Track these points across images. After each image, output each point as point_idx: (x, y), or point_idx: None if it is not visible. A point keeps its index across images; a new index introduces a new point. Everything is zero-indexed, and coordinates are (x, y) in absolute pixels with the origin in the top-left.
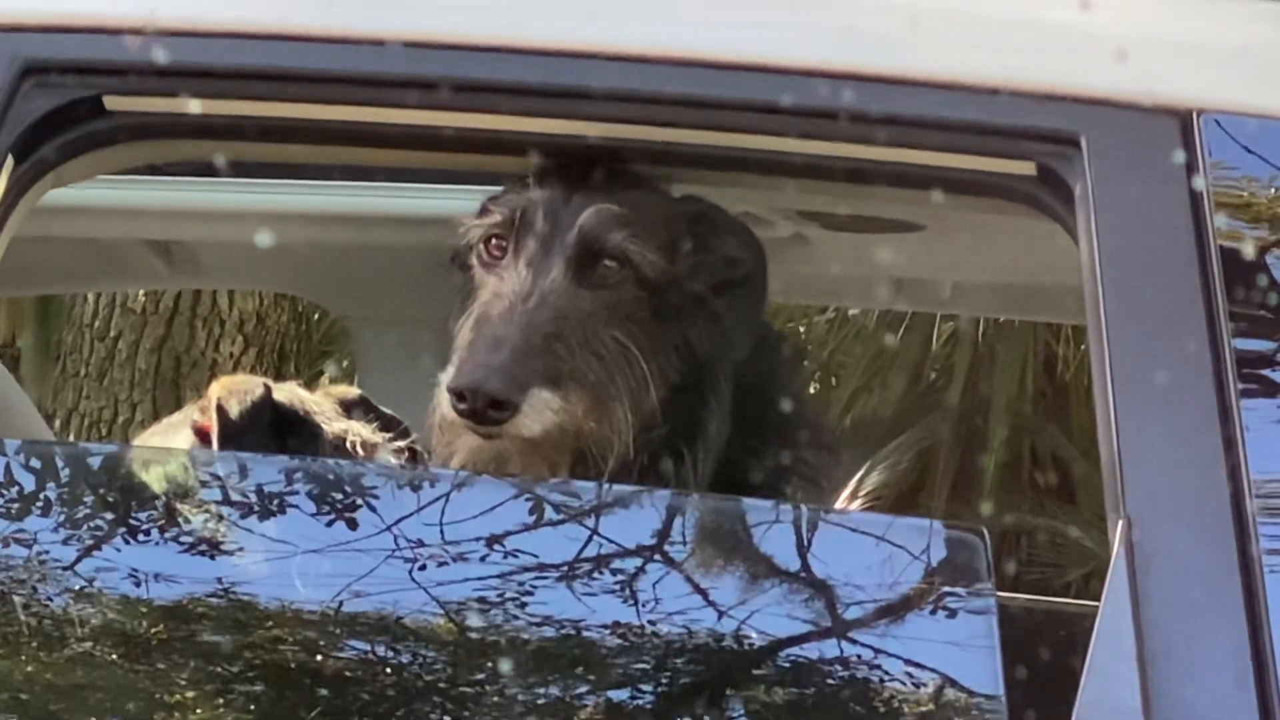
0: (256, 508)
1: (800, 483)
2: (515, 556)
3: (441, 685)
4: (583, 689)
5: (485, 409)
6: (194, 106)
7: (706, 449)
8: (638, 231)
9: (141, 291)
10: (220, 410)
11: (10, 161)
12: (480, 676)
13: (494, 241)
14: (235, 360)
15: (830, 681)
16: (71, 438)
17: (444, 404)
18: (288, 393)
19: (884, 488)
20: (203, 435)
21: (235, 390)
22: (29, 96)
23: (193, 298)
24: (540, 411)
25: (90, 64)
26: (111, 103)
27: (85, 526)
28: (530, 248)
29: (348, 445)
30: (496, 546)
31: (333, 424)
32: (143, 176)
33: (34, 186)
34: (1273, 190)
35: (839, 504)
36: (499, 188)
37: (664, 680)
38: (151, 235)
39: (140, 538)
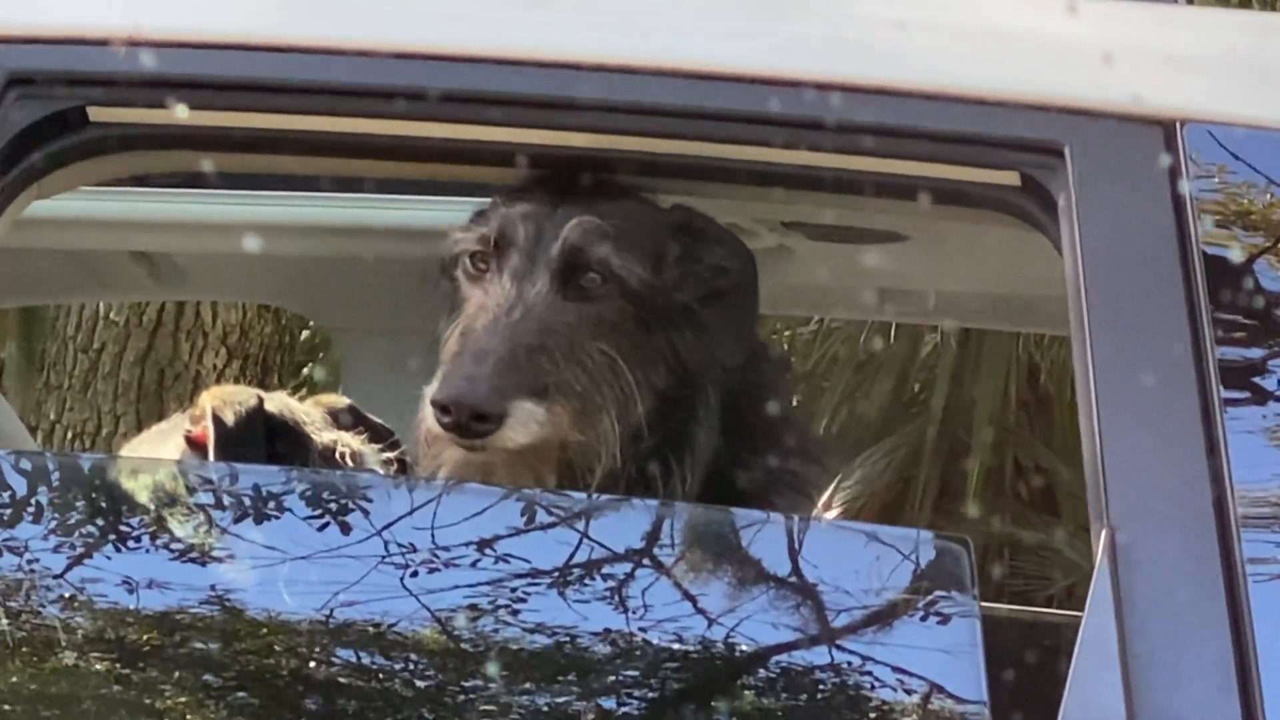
0: (244, 517)
1: (789, 493)
2: (505, 562)
3: (431, 692)
4: (570, 696)
5: (469, 422)
6: (179, 117)
7: (695, 460)
8: (622, 243)
9: (125, 304)
10: (216, 419)
11: None
12: (469, 684)
13: (479, 254)
14: (218, 372)
15: (816, 688)
16: (55, 450)
17: (428, 417)
18: (278, 403)
19: (863, 497)
20: (195, 445)
21: (229, 400)
22: (13, 107)
23: (176, 310)
24: (524, 423)
25: (75, 75)
26: (96, 114)
27: (73, 535)
28: (514, 261)
29: (337, 456)
30: (485, 553)
31: (322, 434)
32: (127, 188)
33: (18, 198)
34: (1260, 199)
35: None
36: (484, 199)
37: (652, 687)
38: (136, 247)
39: (128, 547)
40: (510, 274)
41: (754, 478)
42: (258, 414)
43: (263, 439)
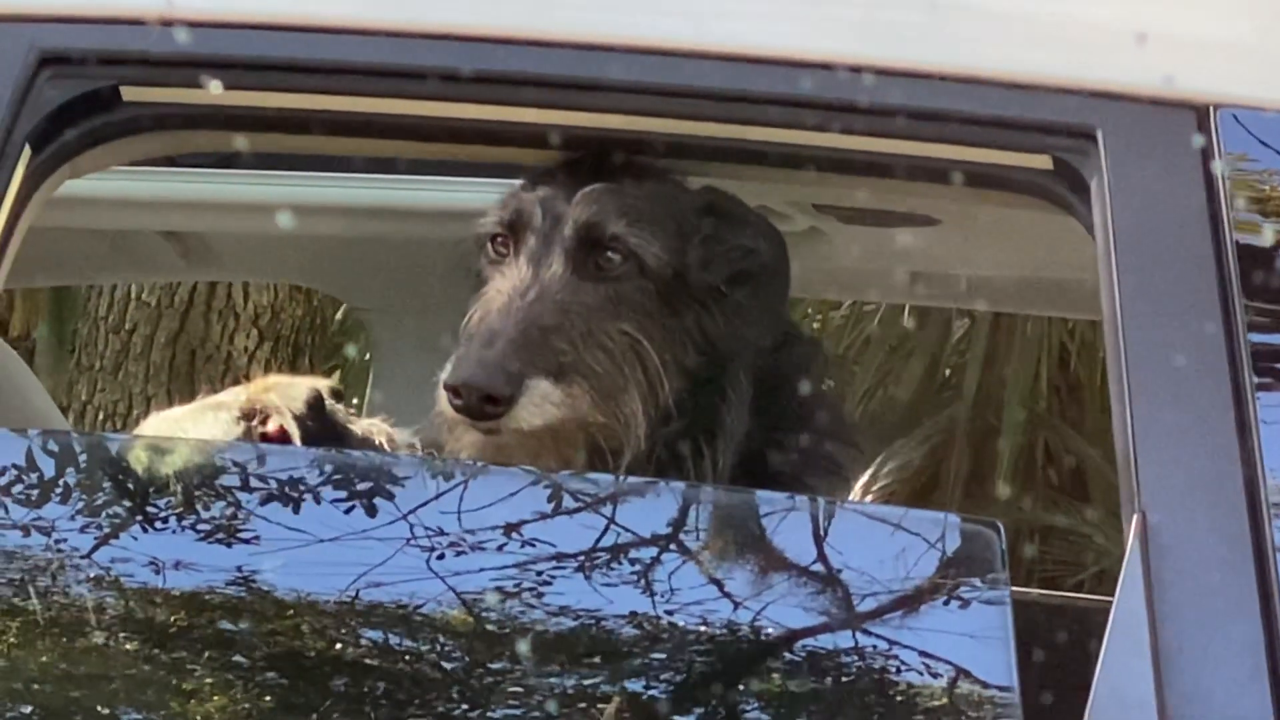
0: (273, 498)
1: (825, 476)
2: (533, 545)
3: (458, 674)
4: (598, 679)
5: (479, 404)
6: (212, 97)
7: (726, 442)
8: (641, 222)
9: (156, 285)
10: (298, 418)
11: (27, 151)
12: (495, 666)
13: (499, 238)
14: (250, 354)
15: (845, 672)
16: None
17: (442, 401)
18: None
19: (897, 484)
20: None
21: (289, 394)
22: (46, 86)
23: (207, 291)
24: (538, 404)
25: (108, 54)
26: (129, 93)
27: (102, 516)
28: (531, 243)
29: (375, 444)
30: (513, 536)
31: (358, 423)
32: (159, 168)
33: (50, 177)
34: None
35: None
36: (516, 180)
37: (679, 671)
38: (167, 227)
39: (157, 527)
40: (526, 256)
41: (789, 460)
42: (321, 406)
43: (330, 432)
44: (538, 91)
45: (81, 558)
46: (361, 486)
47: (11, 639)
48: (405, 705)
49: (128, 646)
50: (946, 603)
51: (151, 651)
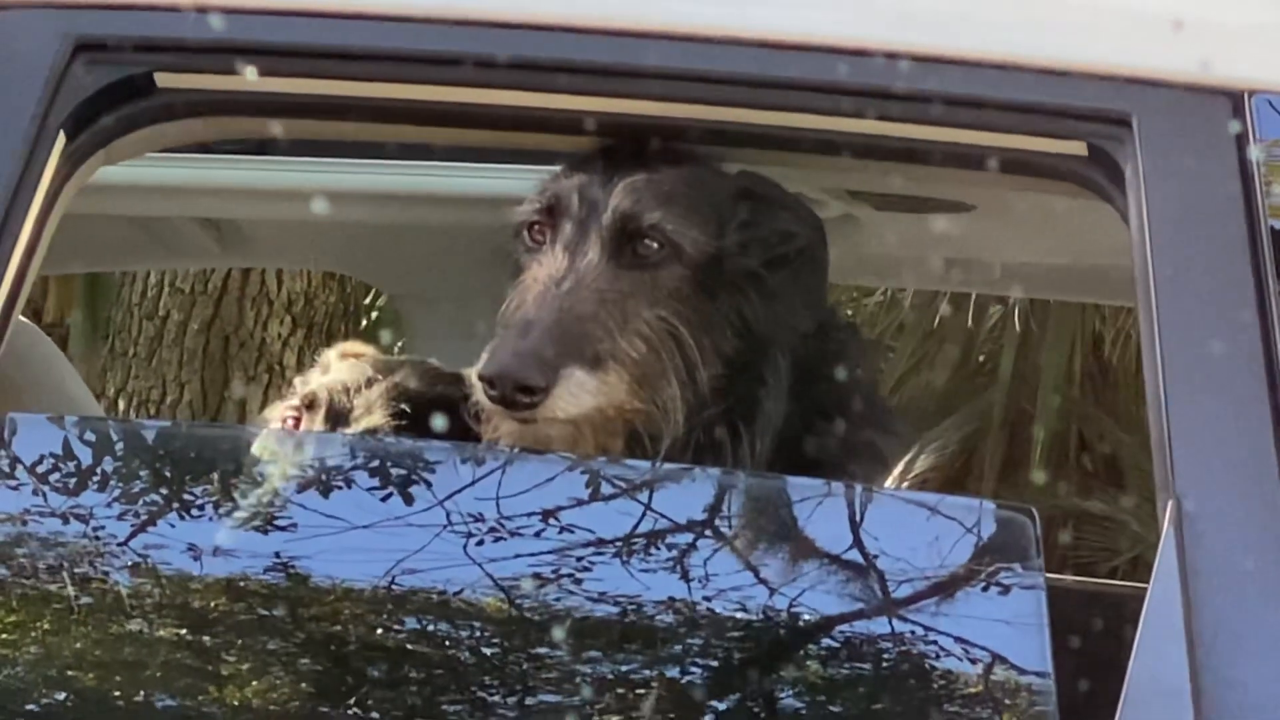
0: (310, 484)
1: (862, 461)
2: (570, 532)
3: (495, 660)
4: (636, 664)
5: (514, 394)
6: (246, 83)
7: (764, 427)
8: (678, 209)
9: (190, 271)
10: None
11: (62, 138)
12: (533, 651)
13: (536, 226)
14: (284, 341)
15: (880, 658)
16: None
17: (478, 391)
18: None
19: (931, 471)
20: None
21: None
22: (81, 73)
23: (241, 278)
24: (574, 393)
25: (142, 40)
26: (163, 79)
27: (139, 502)
28: (567, 231)
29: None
30: (550, 522)
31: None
32: (194, 154)
33: (85, 163)
34: None
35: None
36: (551, 166)
37: (717, 656)
38: (202, 213)
39: (194, 514)
40: (563, 245)
41: (827, 445)
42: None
43: None
44: (573, 78)
45: (119, 544)
46: (398, 473)
47: (49, 625)
48: (442, 690)
49: (164, 632)
50: (982, 589)
51: (189, 637)
